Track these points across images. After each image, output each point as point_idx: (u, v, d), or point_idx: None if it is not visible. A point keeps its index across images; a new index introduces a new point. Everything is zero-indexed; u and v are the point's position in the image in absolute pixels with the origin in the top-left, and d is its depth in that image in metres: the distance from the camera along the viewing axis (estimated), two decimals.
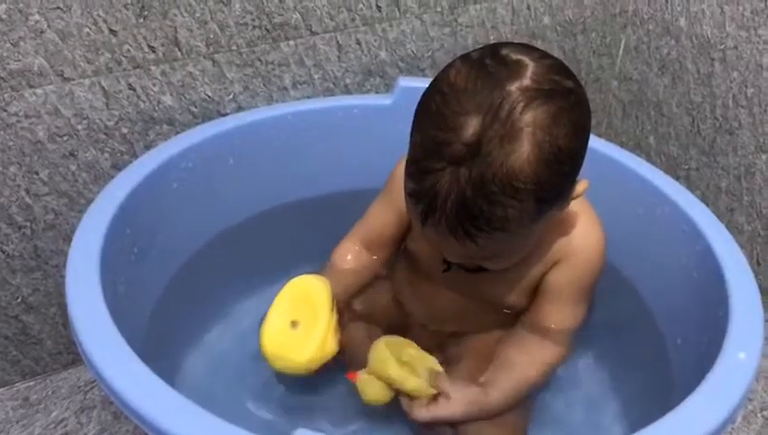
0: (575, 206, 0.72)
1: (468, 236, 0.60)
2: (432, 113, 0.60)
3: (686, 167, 1.23)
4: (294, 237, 1.00)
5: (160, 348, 0.80)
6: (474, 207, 0.58)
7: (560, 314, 0.76)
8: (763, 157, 1.09)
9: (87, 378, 1.01)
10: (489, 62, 0.60)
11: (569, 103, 0.60)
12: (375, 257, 0.87)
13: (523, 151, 0.57)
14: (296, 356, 0.74)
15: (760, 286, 0.70)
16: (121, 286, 0.74)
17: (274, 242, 0.99)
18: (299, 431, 0.50)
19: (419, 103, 0.63)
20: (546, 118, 0.57)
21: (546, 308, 0.77)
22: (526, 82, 0.58)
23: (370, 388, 0.74)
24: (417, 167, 0.61)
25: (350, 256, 0.87)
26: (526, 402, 0.80)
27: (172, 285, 0.87)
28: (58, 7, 0.79)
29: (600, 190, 0.80)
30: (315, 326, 0.75)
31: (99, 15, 0.81)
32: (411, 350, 0.74)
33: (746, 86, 1.08)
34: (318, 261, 0.96)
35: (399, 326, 0.85)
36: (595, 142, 0.91)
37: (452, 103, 0.59)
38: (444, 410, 0.70)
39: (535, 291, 0.77)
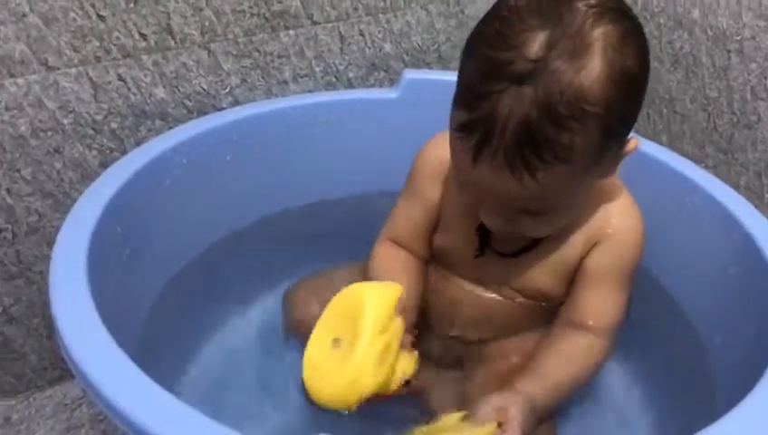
0: (612, 185, 0.69)
1: (528, 168, 0.55)
2: (490, 36, 0.56)
3: (703, 165, 1.17)
4: (298, 240, 0.95)
5: (157, 356, 0.74)
6: (538, 131, 0.53)
7: (601, 302, 0.70)
8: None
9: (74, 395, 0.94)
10: None
11: (634, 27, 0.57)
12: (413, 256, 0.78)
13: (594, 68, 0.53)
14: (327, 387, 0.60)
15: None
16: (112, 290, 0.68)
17: (277, 244, 0.94)
18: None
19: (472, 34, 0.59)
20: (617, 36, 0.54)
21: (585, 296, 0.70)
22: (592, 1, 0.55)
23: None
24: (471, 93, 0.56)
25: (392, 256, 0.77)
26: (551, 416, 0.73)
27: (168, 290, 0.81)
28: None
29: (626, 181, 0.76)
30: (353, 348, 0.60)
31: None
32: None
33: (765, 77, 1.03)
34: (324, 265, 0.91)
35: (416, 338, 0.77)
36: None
37: (514, 22, 0.54)
38: None
39: (573, 277, 0.71)
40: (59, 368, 0.95)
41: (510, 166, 0.55)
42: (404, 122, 0.92)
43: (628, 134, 0.62)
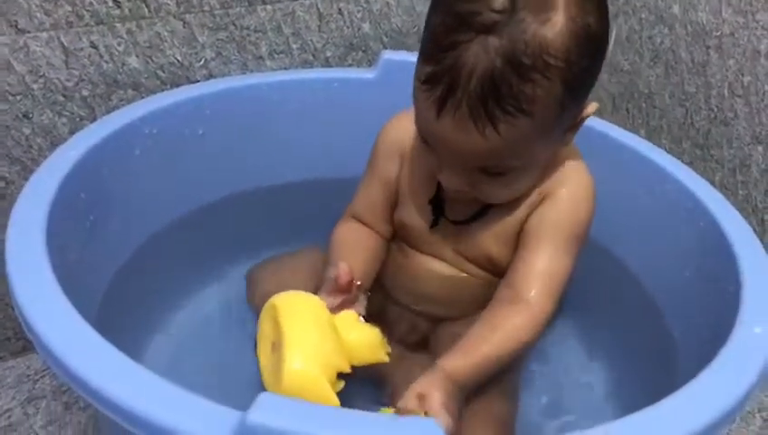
0: (564, 153, 0.70)
1: (491, 120, 0.56)
2: None
3: (679, 160, 1.18)
4: (266, 218, 0.94)
5: (119, 325, 0.72)
6: (502, 81, 0.54)
7: (540, 263, 0.67)
8: (760, 148, 1.04)
9: (37, 367, 0.93)
10: None
11: None
12: (376, 232, 0.78)
13: (557, 21, 0.55)
14: (274, 385, 0.58)
15: None
16: (74, 256, 0.67)
17: (245, 221, 0.93)
18: (263, 395, 0.43)
19: None
20: None
21: (524, 257, 0.68)
22: None
23: None
24: (437, 45, 0.56)
25: (352, 231, 0.77)
26: (514, 397, 0.74)
27: (133, 260, 0.80)
28: None
29: (595, 168, 0.76)
30: (282, 347, 0.57)
31: None
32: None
33: (743, 74, 1.04)
34: (290, 245, 0.91)
35: (381, 313, 0.78)
36: (591, 120, 0.87)
37: None
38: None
39: (516, 239, 0.70)
40: (22, 339, 0.94)
41: (473, 117, 0.56)
42: (380, 103, 0.91)
43: (587, 95, 0.63)
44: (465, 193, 0.65)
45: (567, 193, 0.68)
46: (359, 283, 0.67)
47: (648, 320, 0.76)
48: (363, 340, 0.63)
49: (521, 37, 0.54)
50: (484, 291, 0.73)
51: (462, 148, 0.59)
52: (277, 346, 0.59)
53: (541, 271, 0.67)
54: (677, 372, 0.66)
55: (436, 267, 0.75)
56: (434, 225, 0.72)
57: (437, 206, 0.72)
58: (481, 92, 0.55)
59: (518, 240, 0.70)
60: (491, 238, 0.71)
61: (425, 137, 0.63)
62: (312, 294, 0.63)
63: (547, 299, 0.66)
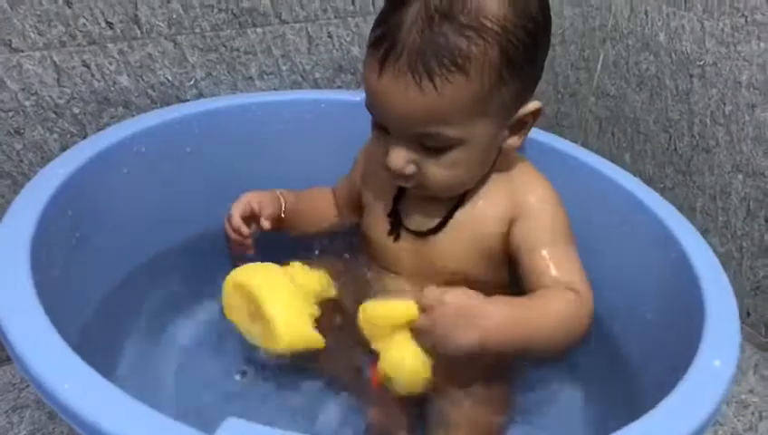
0: (518, 160, 0.73)
1: (428, 72, 0.59)
2: None
3: (662, 185, 1.20)
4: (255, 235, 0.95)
5: (99, 343, 0.75)
6: (439, 34, 0.58)
7: (552, 258, 0.68)
8: (740, 176, 1.06)
9: (22, 376, 0.94)
10: None
11: None
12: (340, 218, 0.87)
13: None
14: (273, 343, 0.67)
15: None
16: (57, 272, 0.68)
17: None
18: (229, 420, 0.45)
19: None
20: None
21: (534, 259, 0.68)
22: None
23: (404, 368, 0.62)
24: (384, 10, 0.62)
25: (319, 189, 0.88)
26: (504, 405, 0.73)
27: (118, 277, 0.81)
28: None
29: (572, 195, 0.77)
30: (265, 315, 0.66)
31: None
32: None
33: (724, 103, 1.06)
34: (279, 260, 0.92)
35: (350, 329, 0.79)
36: (567, 147, 0.89)
37: None
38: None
39: (497, 258, 0.72)
40: None
41: (411, 69, 0.59)
42: (367, 125, 0.93)
43: (528, 84, 0.66)
44: (412, 179, 0.67)
45: (537, 203, 0.70)
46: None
47: (608, 348, 0.78)
48: (315, 284, 0.72)
49: None
50: None
51: (401, 105, 0.61)
52: (258, 314, 0.67)
53: (557, 263, 0.68)
54: (638, 402, 0.67)
55: (400, 284, 0.76)
56: (395, 237, 0.74)
57: (396, 217, 0.75)
58: (419, 45, 0.59)
59: (490, 255, 0.72)
60: (457, 252, 0.72)
61: (371, 105, 0.65)
62: (265, 263, 0.71)
63: (587, 286, 0.67)
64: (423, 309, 0.60)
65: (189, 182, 0.89)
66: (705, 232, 1.13)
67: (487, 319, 0.59)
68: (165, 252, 0.88)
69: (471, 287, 0.66)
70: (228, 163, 0.91)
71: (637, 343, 0.76)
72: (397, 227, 0.75)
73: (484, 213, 0.71)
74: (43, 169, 0.72)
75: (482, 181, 0.72)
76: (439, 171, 0.66)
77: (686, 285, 0.68)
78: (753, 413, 0.98)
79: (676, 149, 1.16)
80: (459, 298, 0.59)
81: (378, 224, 0.77)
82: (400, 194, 0.75)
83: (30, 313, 0.56)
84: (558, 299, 0.65)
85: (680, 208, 1.15)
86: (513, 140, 0.69)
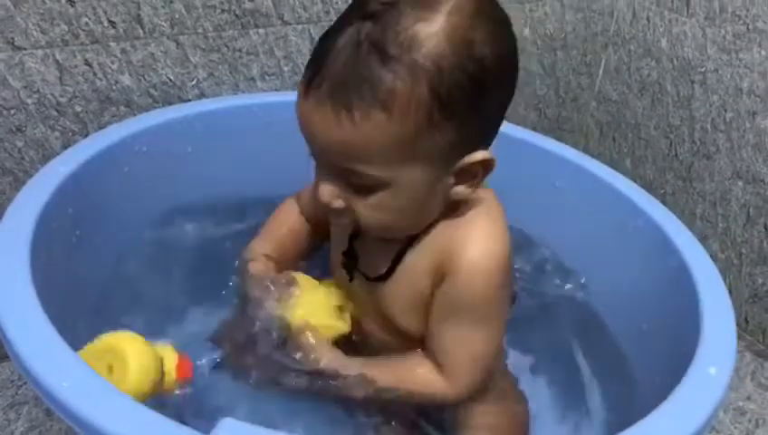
0: (477, 209, 0.64)
1: (346, 104, 0.53)
2: None
3: (662, 191, 1.20)
4: (252, 235, 0.95)
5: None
6: (364, 65, 0.53)
7: (450, 340, 0.65)
8: (740, 183, 1.06)
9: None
10: None
11: (500, 20, 0.58)
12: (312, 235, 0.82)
13: (435, 23, 0.53)
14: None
15: None
16: (57, 270, 0.69)
17: (231, 240, 0.94)
18: (225, 420, 0.45)
19: None
20: (470, 9, 0.55)
21: (436, 330, 0.65)
22: None
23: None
24: (324, 34, 0.57)
25: (286, 213, 0.82)
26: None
27: (117, 276, 0.81)
28: None
29: (571, 201, 0.78)
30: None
31: None
32: None
33: (725, 110, 1.06)
34: None
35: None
36: (568, 152, 0.89)
37: None
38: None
39: (425, 307, 0.67)
40: None
41: (332, 97, 0.54)
42: None
43: (471, 133, 0.58)
44: (344, 215, 0.62)
45: (472, 264, 0.62)
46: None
47: (606, 354, 0.79)
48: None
49: (393, 27, 0.53)
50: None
51: (322, 134, 0.56)
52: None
53: (454, 351, 0.65)
54: (635, 408, 0.67)
55: (367, 328, 0.74)
56: (351, 277, 0.71)
57: (350, 256, 0.71)
58: (343, 74, 0.53)
59: (427, 313, 0.67)
60: (398, 306, 0.69)
61: (300, 128, 0.60)
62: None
63: (461, 383, 0.66)
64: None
65: (190, 182, 0.89)
66: (704, 238, 1.13)
67: (344, 378, 0.65)
68: (165, 251, 0.88)
69: (410, 339, 0.70)
70: (229, 163, 0.91)
71: (634, 349, 0.76)
72: (350, 268, 0.71)
73: (421, 264, 0.65)
74: (44, 166, 0.72)
75: (429, 228, 0.65)
76: (368, 212, 0.60)
77: (683, 292, 0.68)
78: (750, 420, 0.98)
79: (676, 154, 1.17)
80: (313, 364, 0.65)
81: (337, 261, 0.73)
82: (356, 233, 0.70)
83: (29, 311, 0.56)
84: (420, 379, 0.67)
85: (680, 214, 1.15)
86: (461, 189, 0.61)
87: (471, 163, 0.59)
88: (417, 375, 0.67)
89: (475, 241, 0.63)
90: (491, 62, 0.56)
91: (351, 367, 0.66)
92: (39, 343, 0.54)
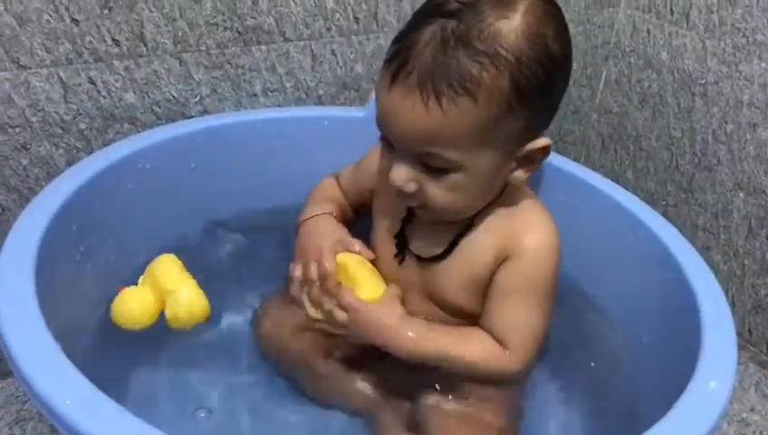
0: (526, 196, 0.73)
1: (435, 91, 0.59)
2: None
3: (664, 202, 1.20)
4: (255, 252, 0.95)
5: (104, 359, 0.75)
6: (451, 56, 0.59)
7: (512, 316, 0.70)
8: (741, 195, 1.07)
9: None
10: None
11: (559, 14, 0.64)
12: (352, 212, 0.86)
13: (514, 21, 0.60)
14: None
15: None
16: (62, 286, 0.70)
17: (234, 255, 0.95)
18: None
19: None
20: (540, 8, 0.62)
21: (495, 307, 0.70)
22: None
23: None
24: (404, 29, 0.63)
25: (327, 186, 0.86)
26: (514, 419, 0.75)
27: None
28: None
29: (572, 213, 0.78)
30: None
31: (61, 3, 0.78)
32: None
33: (726, 122, 1.07)
34: (280, 278, 0.92)
35: (355, 356, 0.79)
36: (570, 166, 0.90)
37: None
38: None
39: (483, 286, 0.72)
40: None
41: (420, 87, 0.59)
42: (370, 140, 0.94)
43: (539, 119, 0.66)
44: (414, 197, 0.67)
45: (533, 247, 0.69)
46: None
47: (607, 367, 0.79)
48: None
49: (476, 24, 0.59)
50: None
51: (407, 121, 0.61)
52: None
53: (511, 324, 0.70)
54: (635, 422, 0.67)
55: (409, 312, 0.75)
56: (400, 259, 0.75)
57: (402, 239, 0.75)
58: (431, 64, 0.59)
59: (485, 291, 0.72)
60: (455, 283, 0.73)
61: (379, 119, 0.65)
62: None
63: (521, 356, 0.69)
64: (344, 308, 0.69)
65: (194, 198, 0.90)
66: (707, 250, 1.14)
67: (392, 337, 0.69)
68: None
69: (463, 317, 0.75)
70: (232, 179, 0.92)
71: (635, 362, 0.76)
72: (402, 250, 0.75)
73: (484, 244, 0.71)
74: (48, 184, 0.73)
75: (486, 212, 0.71)
76: (439, 192, 0.66)
77: (684, 305, 0.69)
78: (754, 432, 0.98)
79: (678, 166, 1.17)
80: (373, 313, 0.69)
81: (384, 243, 0.77)
82: (408, 217, 0.75)
83: (32, 327, 0.57)
84: (479, 345, 0.70)
85: (682, 226, 1.16)
86: (520, 174, 0.68)
87: (533, 149, 0.66)
88: (481, 344, 0.70)
89: (538, 227, 0.70)
90: (559, 56, 0.63)
91: (414, 321, 0.70)
92: (42, 361, 0.54)
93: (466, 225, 0.72)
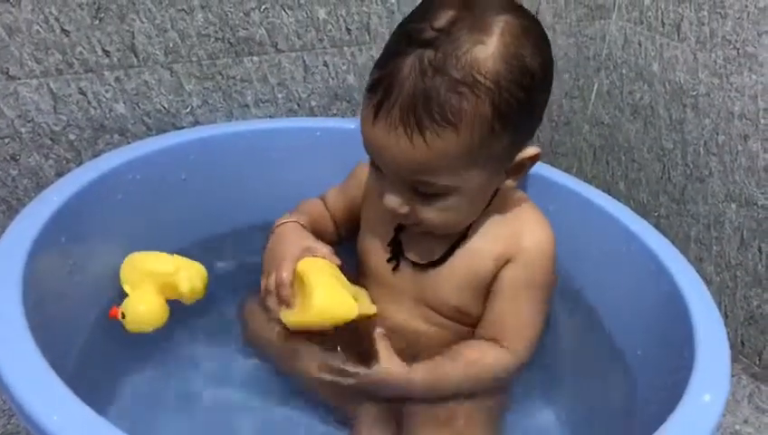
0: (519, 198, 0.74)
1: (419, 126, 0.59)
2: (412, 14, 0.64)
3: (656, 214, 1.20)
4: (245, 263, 0.95)
5: (94, 372, 0.74)
6: (431, 89, 0.59)
7: (514, 319, 0.72)
8: (733, 206, 1.07)
9: None
10: None
11: (538, 29, 0.64)
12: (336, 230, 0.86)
13: (490, 45, 0.60)
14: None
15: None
16: (52, 296, 0.69)
17: (226, 266, 0.94)
18: None
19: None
20: (518, 27, 0.61)
21: (501, 308, 0.72)
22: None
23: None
24: (384, 56, 0.63)
25: (311, 203, 0.86)
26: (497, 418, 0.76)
27: (112, 305, 0.81)
28: (7, 0, 0.75)
29: (564, 225, 0.78)
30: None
31: (51, 13, 0.78)
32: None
33: (717, 133, 1.07)
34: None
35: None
36: (562, 177, 0.89)
37: (433, 3, 0.62)
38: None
39: (486, 294, 0.73)
40: None
41: (403, 122, 0.60)
42: (362, 152, 0.94)
43: (523, 134, 0.66)
44: (408, 218, 0.68)
45: (533, 249, 0.71)
46: None
47: (600, 379, 0.78)
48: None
49: (453, 52, 0.59)
50: (452, 342, 0.74)
51: (393, 155, 0.62)
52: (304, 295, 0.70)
53: (515, 325, 0.72)
54: (633, 433, 0.67)
55: (401, 318, 0.76)
56: (395, 267, 0.75)
57: (397, 245, 0.75)
58: (411, 98, 0.59)
59: (486, 294, 0.73)
60: (454, 287, 0.74)
61: (366, 148, 0.66)
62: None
63: (521, 350, 0.72)
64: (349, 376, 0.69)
65: (184, 209, 0.89)
66: (699, 261, 1.13)
67: (408, 388, 0.69)
68: None
69: (461, 320, 0.75)
70: (223, 190, 0.91)
71: (628, 374, 0.76)
72: (397, 256, 0.76)
73: (483, 250, 0.72)
74: (38, 195, 0.73)
75: (482, 218, 0.73)
76: (432, 214, 0.67)
77: (677, 316, 0.68)
78: None
79: (669, 177, 1.17)
80: (380, 374, 0.68)
81: (377, 250, 0.77)
82: (402, 225, 0.75)
83: (19, 342, 0.56)
84: (484, 357, 0.72)
85: (675, 237, 1.16)
86: (510, 181, 0.70)
87: (523, 159, 0.67)
88: (479, 354, 0.72)
89: (534, 227, 0.73)
90: (538, 72, 0.63)
91: (416, 378, 0.70)
92: (28, 376, 0.53)
93: (462, 232, 0.73)
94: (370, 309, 0.74)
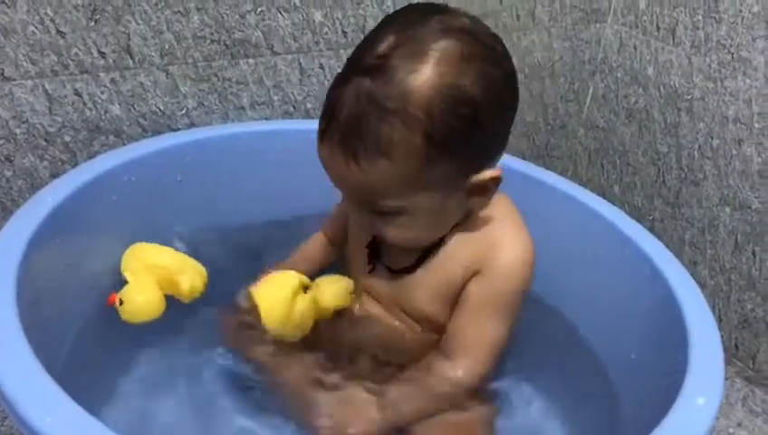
0: (501, 213, 0.71)
1: (353, 154, 0.60)
2: (364, 39, 0.63)
3: (651, 217, 1.21)
4: (240, 264, 0.95)
5: (87, 374, 0.74)
6: (364, 119, 0.59)
7: (475, 333, 0.70)
8: (727, 210, 1.07)
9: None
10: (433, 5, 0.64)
11: (486, 53, 0.61)
12: (332, 247, 0.88)
13: (424, 74, 0.58)
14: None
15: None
16: (45, 300, 0.69)
17: (220, 267, 0.94)
18: None
19: None
20: (457, 53, 0.59)
21: (462, 321, 0.71)
22: (456, 23, 0.61)
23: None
24: (334, 80, 0.63)
25: (311, 243, 0.88)
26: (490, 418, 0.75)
27: (105, 306, 0.81)
28: (2, 1, 0.75)
29: (559, 229, 0.78)
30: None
31: (46, 14, 0.78)
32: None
33: (712, 137, 1.07)
34: None
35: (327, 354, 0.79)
36: (557, 181, 0.90)
37: (380, 28, 0.62)
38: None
39: (452, 299, 0.72)
40: None
41: (341, 149, 0.61)
42: None
43: (473, 160, 0.64)
44: (373, 232, 0.70)
45: (505, 263, 0.69)
46: None
47: (597, 381, 0.78)
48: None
49: (387, 82, 0.58)
50: (424, 344, 0.75)
51: (339, 177, 0.64)
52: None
53: (477, 340, 0.70)
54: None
55: (376, 311, 0.77)
56: (371, 269, 0.76)
57: (374, 251, 0.76)
58: (347, 127, 0.60)
59: (456, 303, 0.72)
60: (425, 294, 0.73)
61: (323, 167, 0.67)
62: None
63: (480, 367, 0.70)
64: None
65: (180, 211, 0.89)
66: (694, 264, 1.14)
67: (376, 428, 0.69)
68: None
69: (429, 326, 0.76)
70: (219, 192, 0.91)
71: (622, 378, 0.76)
72: (373, 260, 0.76)
73: (453, 259, 0.71)
74: (32, 196, 0.72)
75: (455, 231, 0.71)
76: (392, 231, 0.67)
77: (671, 321, 0.68)
78: None
79: (664, 181, 1.17)
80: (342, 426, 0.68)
81: (357, 254, 0.78)
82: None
83: (13, 344, 0.56)
84: (443, 382, 0.71)
85: (669, 241, 1.17)
86: (477, 200, 0.68)
87: (480, 181, 0.65)
88: (433, 377, 0.71)
89: (508, 245, 0.70)
90: (482, 98, 0.60)
91: (382, 404, 0.70)
92: (22, 377, 0.53)
93: (436, 241, 0.72)
94: (338, 299, 0.76)
